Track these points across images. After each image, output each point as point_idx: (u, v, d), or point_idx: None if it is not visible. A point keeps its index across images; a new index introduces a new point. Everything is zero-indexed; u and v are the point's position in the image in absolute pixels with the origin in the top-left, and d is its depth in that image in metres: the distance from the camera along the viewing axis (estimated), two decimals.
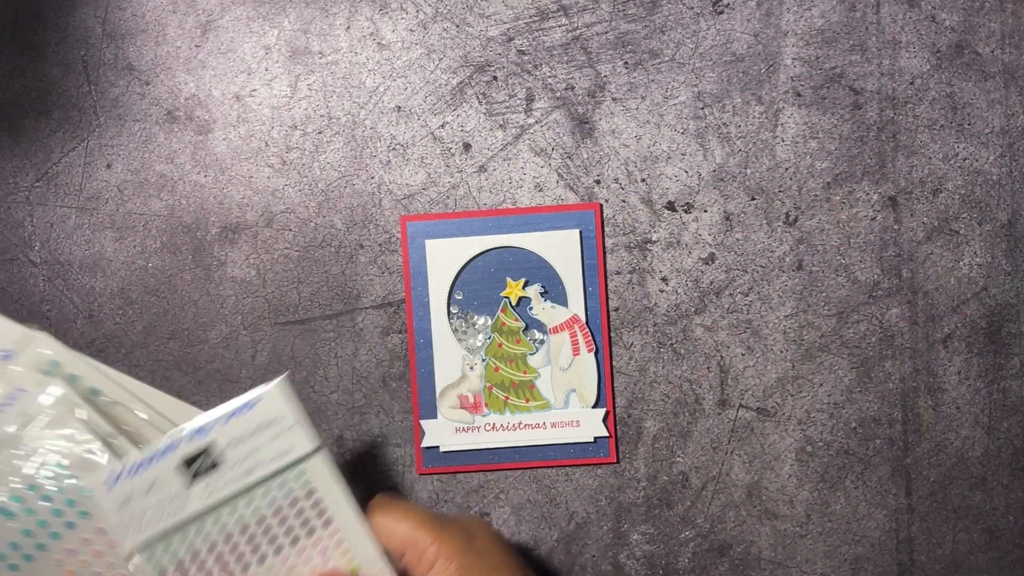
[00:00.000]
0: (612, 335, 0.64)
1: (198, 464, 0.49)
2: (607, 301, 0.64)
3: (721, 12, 0.65)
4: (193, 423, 0.49)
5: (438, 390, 0.63)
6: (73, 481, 0.52)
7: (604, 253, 0.64)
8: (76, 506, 0.53)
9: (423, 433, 0.63)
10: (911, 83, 0.64)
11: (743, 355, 0.64)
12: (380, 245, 0.64)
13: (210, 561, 0.50)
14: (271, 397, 0.50)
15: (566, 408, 0.63)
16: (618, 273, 0.64)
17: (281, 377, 0.51)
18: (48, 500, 0.52)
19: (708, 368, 0.64)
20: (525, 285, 0.64)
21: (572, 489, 0.64)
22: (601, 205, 0.64)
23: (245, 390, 0.64)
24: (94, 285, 0.65)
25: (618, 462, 0.64)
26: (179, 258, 0.65)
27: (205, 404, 0.64)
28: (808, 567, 0.64)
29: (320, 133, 0.65)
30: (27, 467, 0.52)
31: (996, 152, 0.64)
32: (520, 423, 0.63)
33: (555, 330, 0.64)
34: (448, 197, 0.65)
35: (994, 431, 0.64)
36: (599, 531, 0.64)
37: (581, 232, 0.64)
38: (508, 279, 0.64)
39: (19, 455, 0.52)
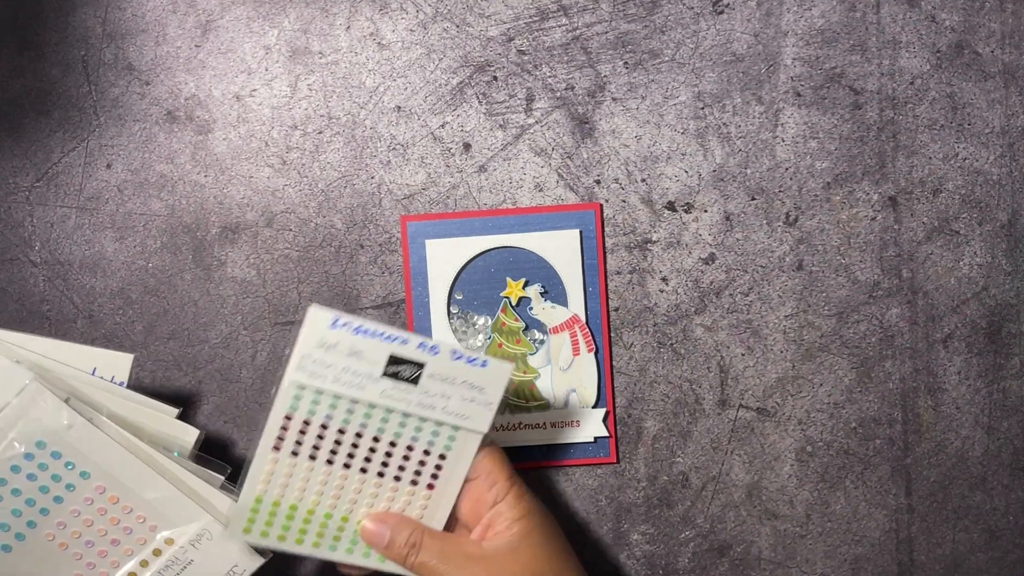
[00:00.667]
0: (612, 335, 0.64)
1: (402, 369, 0.52)
2: (607, 301, 0.64)
3: (721, 12, 0.65)
4: (426, 339, 0.52)
5: None
6: (54, 454, 0.53)
7: (604, 253, 0.64)
8: (61, 480, 0.53)
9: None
10: (911, 83, 0.64)
11: (743, 355, 0.64)
12: (380, 245, 0.64)
13: (328, 439, 0.53)
14: (501, 371, 0.53)
15: (566, 408, 0.63)
16: (618, 273, 0.64)
17: (512, 364, 0.54)
18: (34, 479, 0.53)
19: (708, 368, 0.64)
20: (525, 285, 0.64)
21: (572, 489, 0.64)
22: (601, 205, 0.64)
23: (245, 390, 0.64)
24: (94, 285, 0.65)
25: (618, 462, 0.64)
26: (179, 258, 0.65)
27: (205, 403, 0.64)
28: (808, 567, 0.64)
29: (320, 133, 0.65)
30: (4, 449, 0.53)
31: (996, 152, 0.64)
32: (520, 423, 0.63)
33: (555, 330, 0.64)
34: (448, 197, 0.65)
35: (994, 431, 0.64)
36: (599, 531, 0.64)
37: (581, 232, 0.64)
38: (508, 279, 0.64)
39: None
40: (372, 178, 0.65)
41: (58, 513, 0.54)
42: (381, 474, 0.54)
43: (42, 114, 0.65)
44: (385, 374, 0.52)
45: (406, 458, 0.54)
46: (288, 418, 0.52)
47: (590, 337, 0.63)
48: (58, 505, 0.54)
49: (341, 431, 0.53)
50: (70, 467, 0.53)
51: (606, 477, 0.64)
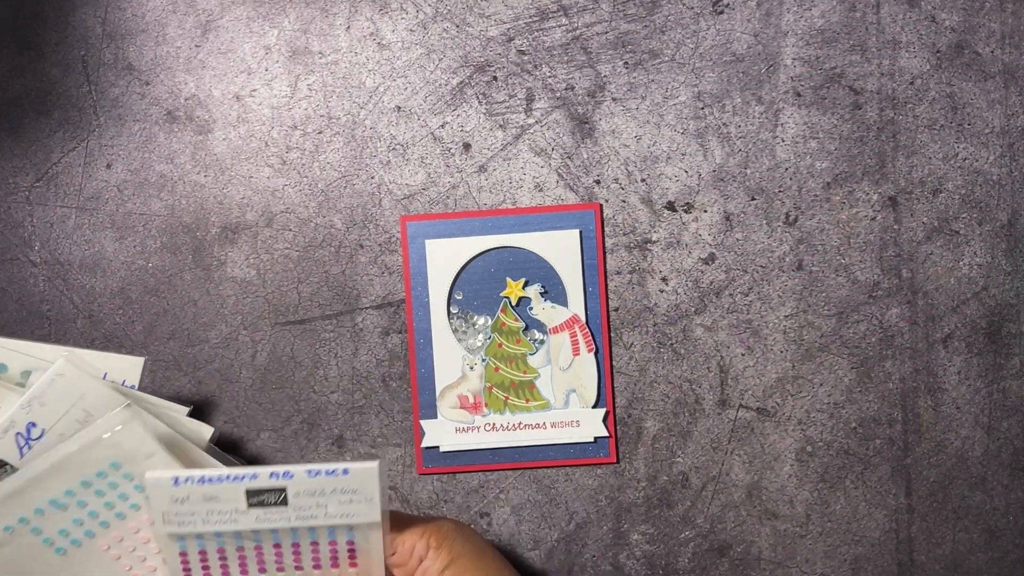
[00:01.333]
0: (612, 335, 0.64)
1: (265, 497, 0.51)
2: (607, 301, 0.64)
3: (721, 12, 0.65)
4: (276, 468, 0.51)
5: (438, 390, 0.63)
6: (126, 475, 0.54)
7: (604, 253, 0.64)
8: (128, 500, 0.54)
9: (423, 433, 0.63)
10: (911, 83, 0.64)
11: (743, 355, 0.64)
12: (380, 245, 0.64)
13: (232, 558, 0.52)
14: (367, 473, 0.51)
15: (566, 408, 0.63)
16: (618, 273, 0.64)
17: (379, 460, 0.52)
18: (101, 495, 0.54)
19: (708, 368, 0.64)
20: (525, 285, 0.64)
21: (572, 489, 0.64)
22: (601, 205, 0.64)
23: (245, 390, 0.64)
24: (94, 285, 0.65)
25: (618, 462, 0.64)
26: (179, 258, 0.65)
27: (206, 403, 0.65)
28: (808, 567, 0.64)
29: (320, 133, 0.65)
30: (81, 466, 0.54)
31: (996, 152, 0.64)
32: (520, 423, 0.63)
33: (555, 330, 0.64)
34: (448, 197, 0.65)
35: (994, 431, 0.64)
36: (599, 531, 0.64)
37: (581, 232, 0.64)
38: (508, 279, 0.64)
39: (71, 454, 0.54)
40: (372, 178, 0.65)
41: (118, 528, 0.55)
42: (298, 567, 0.53)
43: (42, 114, 0.65)
44: (251, 505, 0.51)
45: (315, 551, 0.53)
46: (183, 555, 0.52)
47: (590, 337, 0.63)
48: (120, 521, 0.55)
49: (240, 549, 0.52)
50: (139, 489, 0.54)
51: (606, 477, 0.64)
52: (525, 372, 0.64)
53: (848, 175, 0.64)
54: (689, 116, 0.64)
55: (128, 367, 0.60)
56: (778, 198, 0.64)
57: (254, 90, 0.65)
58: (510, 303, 0.64)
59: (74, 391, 0.57)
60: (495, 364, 0.63)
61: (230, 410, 0.64)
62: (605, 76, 0.64)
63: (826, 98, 0.64)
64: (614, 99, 0.64)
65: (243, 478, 0.50)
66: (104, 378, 0.59)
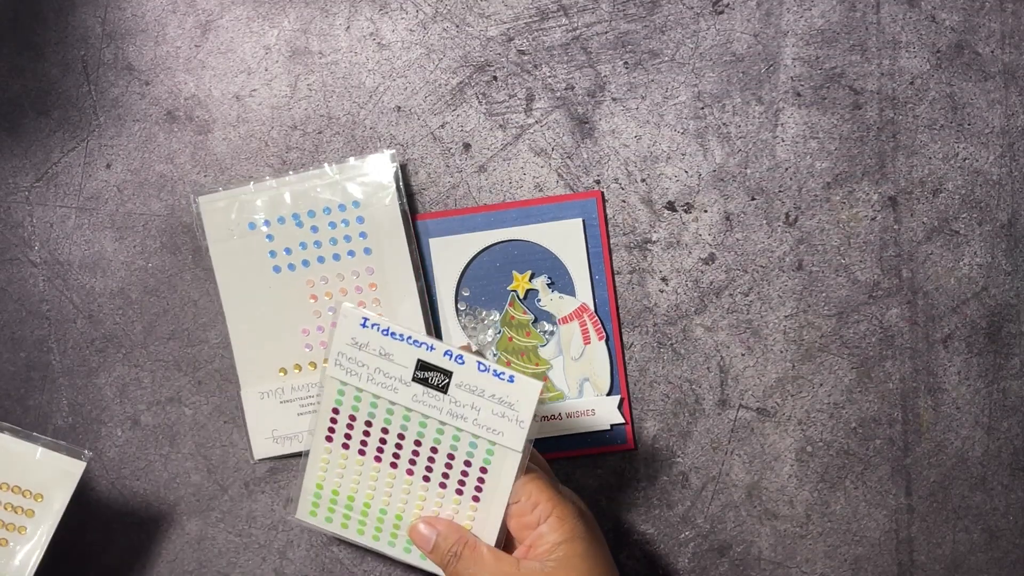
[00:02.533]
0: (621, 322, 0.64)
1: (430, 376, 0.53)
2: (614, 288, 0.64)
3: (721, 12, 0.65)
4: (453, 347, 0.53)
5: None
6: (359, 218, 0.62)
7: (608, 240, 0.64)
8: (367, 238, 0.63)
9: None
10: (911, 83, 0.64)
11: (743, 355, 0.64)
12: None
13: (374, 436, 0.55)
14: (529, 388, 0.53)
15: (580, 398, 0.63)
16: (618, 273, 0.64)
17: (542, 382, 0.53)
18: (333, 228, 0.63)
19: (708, 368, 0.64)
20: (531, 277, 0.64)
21: (572, 489, 0.64)
22: (603, 192, 0.64)
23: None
24: (94, 285, 0.65)
25: (636, 448, 0.64)
26: (179, 258, 0.65)
27: (205, 403, 0.64)
28: (808, 567, 0.64)
29: (320, 133, 0.65)
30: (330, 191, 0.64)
31: (996, 152, 0.64)
32: (535, 416, 0.63)
33: (564, 320, 0.64)
34: (448, 197, 0.64)
35: (994, 431, 0.64)
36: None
37: (584, 221, 0.64)
38: (514, 272, 0.64)
39: None
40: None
41: (324, 270, 0.63)
42: (426, 478, 0.55)
43: (42, 114, 0.65)
44: (415, 379, 0.53)
45: (448, 466, 0.55)
46: (336, 411, 0.55)
47: (599, 325, 0.63)
48: (333, 264, 0.63)
49: (384, 430, 0.55)
50: (363, 236, 0.63)
51: (606, 477, 0.64)
52: (537, 364, 0.64)
53: (848, 175, 0.64)
54: (689, 116, 0.64)
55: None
56: (778, 198, 0.64)
57: (254, 90, 0.65)
58: (518, 296, 0.64)
59: None
60: (507, 358, 0.64)
61: (230, 410, 0.64)
62: (605, 76, 0.64)
63: (826, 98, 0.64)
64: (614, 99, 0.64)
65: (420, 344, 0.53)
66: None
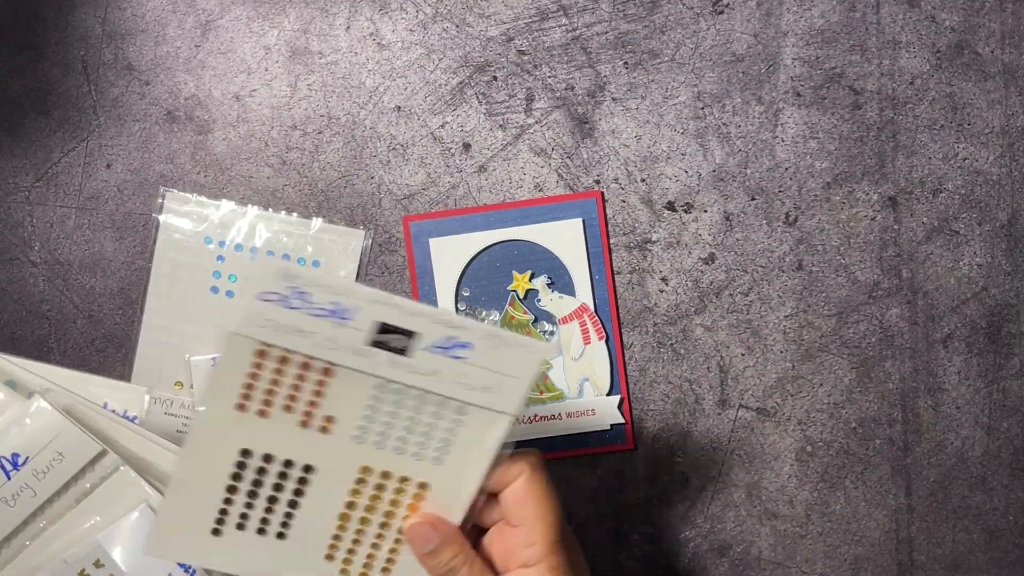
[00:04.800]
0: (622, 322, 0.64)
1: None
2: (614, 288, 0.64)
3: (721, 12, 0.65)
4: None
5: None
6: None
7: (608, 240, 0.64)
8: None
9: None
10: (911, 83, 0.64)
11: (743, 355, 0.64)
12: (380, 245, 0.64)
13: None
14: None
15: (580, 398, 0.63)
16: (618, 273, 0.64)
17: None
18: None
19: (708, 368, 0.64)
20: (531, 277, 0.64)
21: (572, 489, 0.64)
22: (603, 192, 0.64)
23: None
24: (94, 285, 0.65)
25: (636, 448, 0.64)
26: None
27: None
28: (808, 567, 0.64)
29: (320, 133, 0.65)
30: None
31: (996, 152, 0.64)
32: (535, 415, 0.63)
33: (564, 320, 0.64)
34: (448, 197, 0.64)
35: (994, 431, 0.64)
36: (599, 531, 0.64)
37: (584, 221, 0.64)
38: (514, 272, 0.64)
39: None
40: (372, 178, 0.65)
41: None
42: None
43: (42, 114, 0.65)
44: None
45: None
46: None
47: (599, 325, 0.64)
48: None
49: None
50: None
51: (605, 477, 0.64)
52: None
53: (848, 175, 0.64)
54: (689, 116, 0.64)
55: (130, 397, 0.61)
56: (778, 198, 0.64)
57: (254, 90, 0.65)
58: (518, 296, 0.64)
59: (49, 430, 0.56)
60: None
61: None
62: (605, 76, 0.64)
63: (826, 98, 0.64)
64: (614, 99, 0.64)
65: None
66: (105, 407, 0.59)
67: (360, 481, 0.48)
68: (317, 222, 0.64)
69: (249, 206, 0.64)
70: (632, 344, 0.64)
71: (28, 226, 0.65)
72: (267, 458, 0.48)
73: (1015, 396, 0.64)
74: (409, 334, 0.45)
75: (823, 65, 0.64)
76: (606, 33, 0.65)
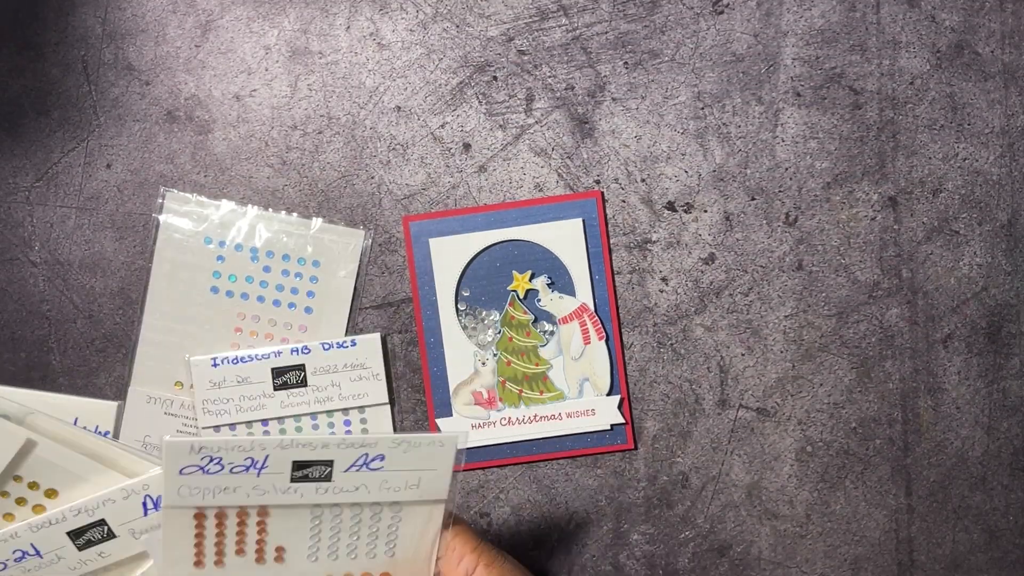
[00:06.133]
0: (622, 322, 0.64)
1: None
2: (614, 288, 0.64)
3: (721, 12, 0.65)
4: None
5: (451, 388, 0.63)
6: None
7: (608, 240, 0.64)
8: None
9: (439, 432, 0.63)
10: (911, 83, 0.64)
11: (743, 355, 0.64)
12: (380, 245, 0.64)
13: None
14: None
15: (580, 398, 0.63)
16: (618, 273, 0.64)
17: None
18: None
19: (708, 368, 0.64)
20: (531, 277, 0.64)
21: (572, 489, 0.64)
22: (603, 192, 0.64)
23: None
24: (94, 285, 0.65)
25: (636, 448, 0.64)
26: None
27: None
28: (808, 567, 0.64)
29: (320, 133, 0.65)
30: None
31: (996, 152, 0.64)
32: (535, 416, 0.63)
33: (564, 320, 0.64)
34: (448, 197, 0.65)
35: (994, 431, 0.64)
36: (599, 531, 0.64)
37: (584, 221, 0.64)
38: (514, 272, 0.64)
39: None
40: (372, 178, 0.65)
41: (261, 310, 0.61)
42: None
43: (42, 114, 0.65)
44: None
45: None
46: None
47: (599, 325, 0.64)
48: (274, 308, 0.61)
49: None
50: (311, 296, 0.62)
51: (605, 477, 0.64)
52: (537, 364, 0.64)
53: (848, 175, 0.64)
54: (689, 116, 0.64)
55: (101, 412, 0.61)
56: (778, 198, 0.64)
57: (254, 90, 0.65)
58: (518, 296, 0.64)
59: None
60: (507, 358, 0.64)
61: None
62: (605, 76, 0.64)
63: (826, 98, 0.64)
64: (614, 99, 0.64)
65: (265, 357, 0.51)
66: (75, 423, 0.59)
67: None
68: (317, 222, 0.64)
69: (249, 206, 0.64)
70: (632, 344, 0.64)
71: (28, 226, 0.65)
72: None
73: (1015, 396, 0.64)
74: (326, 463, 0.49)
75: (823, 65, 0.64)
76: (606, 33, 0.65)
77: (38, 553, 0.53)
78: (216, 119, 0.65)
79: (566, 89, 0.65)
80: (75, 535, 0.53)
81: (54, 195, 0.65)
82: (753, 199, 0.64)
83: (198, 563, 0.50)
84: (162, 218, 0.64)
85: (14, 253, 0.65)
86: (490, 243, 0.64)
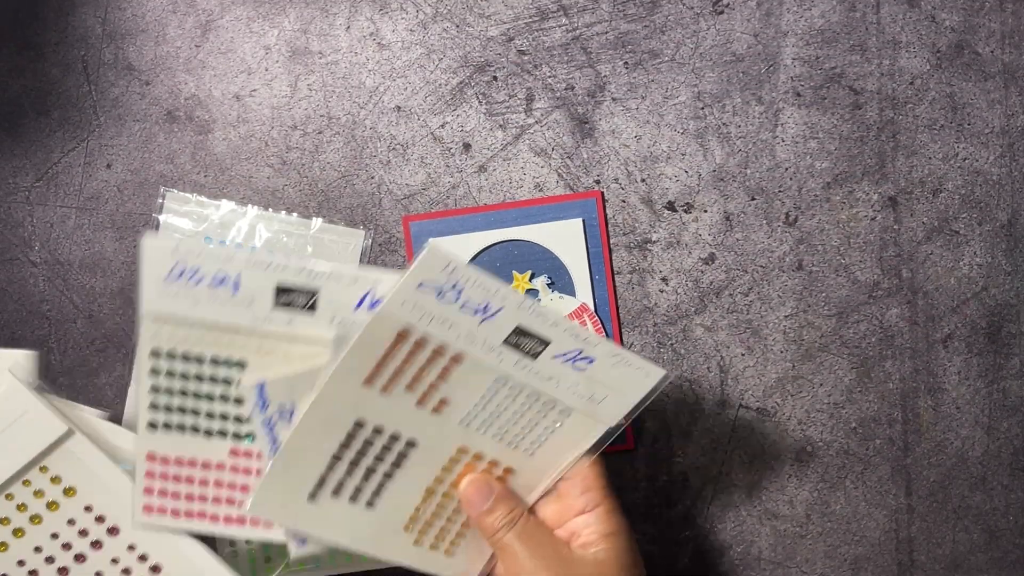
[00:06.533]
0: (622, 322, 0.64)
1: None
2: (614, 288, 0.64)
3: (721, 12, 0.65)
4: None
5: None
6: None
7: (608, 240, 0.64)
8: None
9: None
10: (911, 83, 0.64)
11: (743, 355, 0.64)
12: (380, 245, 0.64)
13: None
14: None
15: None
16: (618, 273, 0.64)
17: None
18: None
19: (708, 368, 0.64)
20: (532, 277, 0.64)
21: None
22: (603, 192, 0.64)
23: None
24: (94, 285, 0.65)
25: (636, 448, 0.64)
26: None
27: None
28: (808, 567, 0.64)
29: (320, 133, 0.65)
30: None
31: (996, 152, 0.64)
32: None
33: None
34: (448, 197, 0.65)
35: (994, 431, 0.64)
36: None
37: (584, 221, 0.64)
38: (514, 272, 0.64)
39: None
40: (372, 178, 0.65)
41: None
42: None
43: (42, 114, 0.65)
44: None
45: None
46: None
47: (600, 325, 0.64)
48: None
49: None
50: None
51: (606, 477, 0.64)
52: None
53: (848, 175, 0.64)
54: (689, 116, 0.64)
55: (20, 362, 0.59)
56: (778, 198, 0.64)
57: (254, 90, 0.65)
58: None
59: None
60: None
61: None
62: (605, 76, 0.64)
63: (826, 98, 0.64)
64: (614, 99, 0.64)
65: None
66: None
67: (454, 460, 0.51)
68: (317, 222, 0.64)
69: (249, 206, 0.64)
70: (632, 344, 0.64)
71: (28, 226, 0.65)
72: (377, 430, 0.50)
73: (1015, 396, 0.64)
74: (543, 342, 0.48)
75: (823, 65, 0.64)
76: (606, 33, 0.65)
77: (236, 287, 0.50)
78: (216, 119, 0.65)
79: (566, 89, 0.65)
80: (281, 291, 0.50)
81: (54, 195, 0.65)
82: (753, 199, 0.64)
83: (368, 381, 0.48)
84: (162, 218, 0.64)
85: (14, 253, 0.65)
86: (490, 243, 0.64)
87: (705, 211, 0.64)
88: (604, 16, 0.65)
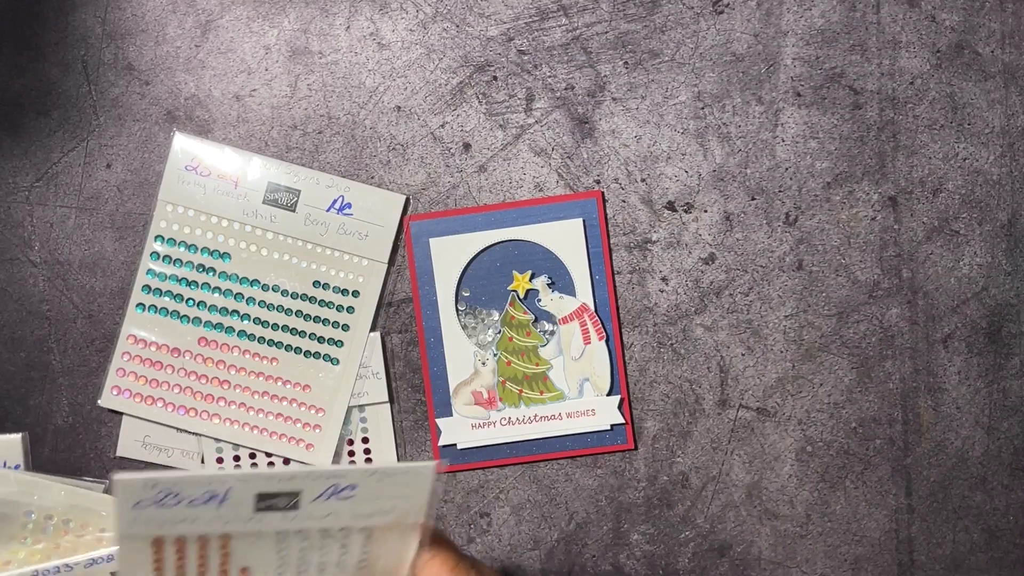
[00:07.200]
0: (622, 322, 0.64)
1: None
2: (615, 288, 0.64)
3: (721, 12, 0.65)
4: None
5: (451, 388, 0.63)
6: None
7: (608, 240, 0.64)
8: None
9: (439, 431, 0.63)
10: (911, 83, 0.64)
11: (743, 355, 0.64)
12: None
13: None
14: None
15: (581, 398, 0.63)
16: (618, 273, 0.64)
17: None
18: None
19: (708, 368, 0.64)
20: (532, 277, 0.64)
21: (572, 489, 0.64)
22: (603, 192, 0.64)
23: None
24: (94, 285, 0.65)
25: (636, 448, 0.64)
26: None
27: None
28: (808, 567, 0.64)
29: (320, 133, 0.65)
30: None
31: (996, 152, 0.64)
32: (536, 415, 0.63)
33: (564, 320, 0.64)
34: (448, 197, 0.65)
35: (994, 431, 0.64)
36: (599, 531, 0.64)
37: (584, 221, 0.64)
38: (514, 272, 0.64)
39: None
40: (372, 178, 0.65)
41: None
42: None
43: (42, 114, 0.65)
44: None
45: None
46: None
47: (600, 325, 0.64)
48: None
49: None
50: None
51: (606, 477, 0.64)
52: (537, 364, 0.64)
53: (848, 175, 0.64)
54: (689, 116, 0.64)
55: (9, 446, 0.61)
56: (778, 198, 0.64)
57: (254, 90, 0.65)
58: (518, 296, 0.64)
59: None
60: (507, 358, 0.64)
61: None
62: (605, 76, 0.64)
63: (826, 98, 0.64)
64: (614, 99, 0.64)
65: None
66: None
67: None
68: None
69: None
70: (632, 344, 0.64)
71: (28, 226, 0.65)
72: None
73: (1015, 396, 0.64)
74: (292, 494, 0.45)
75: (823, 65, 0.64)
76: (606, 33, 0.65)
77: None
78: (216, 119, 0.65)
79: (566, 89, 0.65)
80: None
81: (54, 195, 0.65)
82: (753, 199, 0.64)
83: None
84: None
85: (14, 253, 0.65)
86: (490, 243, 0.64)
87: (705, 211, 0.64)
88: (604, 16, 0.65)
